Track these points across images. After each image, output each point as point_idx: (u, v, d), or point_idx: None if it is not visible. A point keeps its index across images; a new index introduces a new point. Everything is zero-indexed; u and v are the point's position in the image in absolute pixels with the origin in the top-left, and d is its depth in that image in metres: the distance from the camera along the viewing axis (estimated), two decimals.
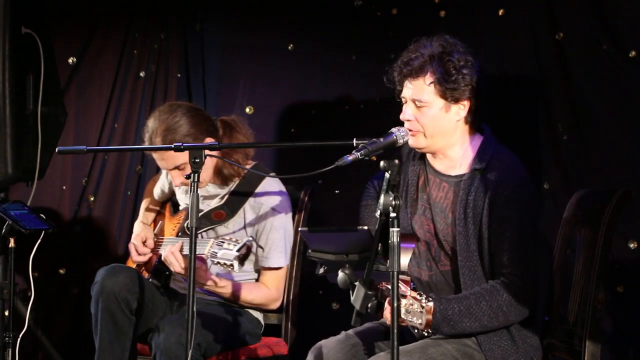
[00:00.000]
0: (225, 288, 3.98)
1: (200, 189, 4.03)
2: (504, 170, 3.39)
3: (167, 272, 4.09)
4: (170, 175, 4.05)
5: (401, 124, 3.44)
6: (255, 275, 4.13)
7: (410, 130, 3.41)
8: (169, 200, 4.35)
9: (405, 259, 3.45)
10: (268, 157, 4.80)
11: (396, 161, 2.97)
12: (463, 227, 3.39)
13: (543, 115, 4.39)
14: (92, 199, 5.15)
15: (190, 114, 3.96)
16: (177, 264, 3.89)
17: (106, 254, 5.00)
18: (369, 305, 3.08)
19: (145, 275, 4.12)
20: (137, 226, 4.28)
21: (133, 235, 4.22)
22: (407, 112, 3.41)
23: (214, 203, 4.08)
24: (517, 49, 4.46)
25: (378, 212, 2.99)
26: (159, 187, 4.34)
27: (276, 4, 4.95)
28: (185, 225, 4.02)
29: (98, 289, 3.87)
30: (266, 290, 4.07)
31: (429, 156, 3.54)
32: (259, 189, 4.05)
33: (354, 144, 3.23)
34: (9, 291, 4.45)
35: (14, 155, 4.44)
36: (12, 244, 4.42)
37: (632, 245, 4.14)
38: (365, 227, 3.16)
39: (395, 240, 2.92)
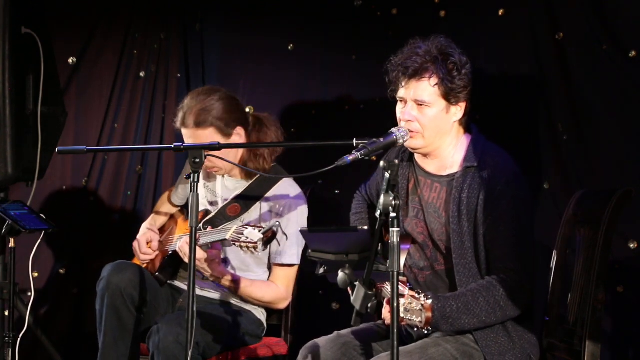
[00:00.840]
0: (235, 282, 3.99)
1: (219, 181, 4.11)
2: (495, 167, 3.41)
3: (174, 269, 4.10)
4: None
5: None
6: (267, 277, 4.13)
7: (408, 130, 3.41)
8: (184, 208, 4.37)
9: (401, 260, 3.45)
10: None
11: (396, 161, 2.97)
12: (457, 225, 3.40)
13: (543, 115, 4.39)
14: (92, 199, 5.15)
15: (227, 100, 4.02)
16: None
17: (106, 254, 4.99)
18: (369, 305, 3.09)
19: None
20: (143, 228, 4.30)
21: (138, 235, 4.23)
22: (408, 113, 3.42)
23: (230, 197, 4.09)
24: (517, 49, 4.46)
25: (378, 212, 2.99)
26: (180, 189, 4.34)
27: (276, 4, 4.95)
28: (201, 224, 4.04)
29: (104, 284, 3.89)
30: (276, 288, 4.07)
31: (419, 158, 3.55)
32: (275, 187, 4.07)
33: (354, 144, 3.23)
34: (9, 291, 4.45)
35: (14, 155, 4.44)
36: (12, 244, 4.43)
37: (632, 245, 4.14)
38: (365, 227, 3.17)
39: (395, 240, 2.92)
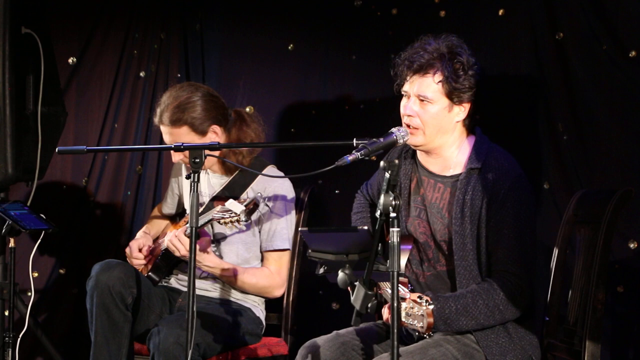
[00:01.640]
0: (228, 271, 4.00)
1: (203, 180, 4.12)
2: (500, 169, 3.40)
3: (168, 267, 4.11)
4: (172, 154, 4.11)
5: (401, 123, 3.44)
6: (259, 264, 4.14)
7: (408, 126, 3.41)
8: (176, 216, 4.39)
9: (402, 260, 3.45)
10: (268, 157, 4.79)
11: (396, 161, 2.97)
12: (460, 227, 3.39)
13: (543, 115, 4.39)
14: (92, 199, 5.15)
15: (205, 98, 4.02)
16: (181, 247, 3.91)
17: (106, 254, 4.98)
18: (369, 305, 3.08)
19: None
20: (139, 233, 4.33)
21: (131, 241, 4.24)
22: (410, 107, 3.42)
23: (217, 192, 4.10)
24: (517, 49, 4.46)
25: (378, 212, 2.99)
26: (168, 197, 4.37)
27: (276, 4, 4.95)
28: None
29: (93, 283, 3.90)
30: (269, 273, 4.08)
31: (422, 157, 3.54)
32: (261, 176, 4.07)
33: (354, 144, 3.23)
34: (9, 291, 4.45)
35: (14, 155, 4.44)
36: (12, 244, 4.43)
37: (632, 245, 4.14)
38: (365, 227, 3.16)
39: (395, 240, 2.92)
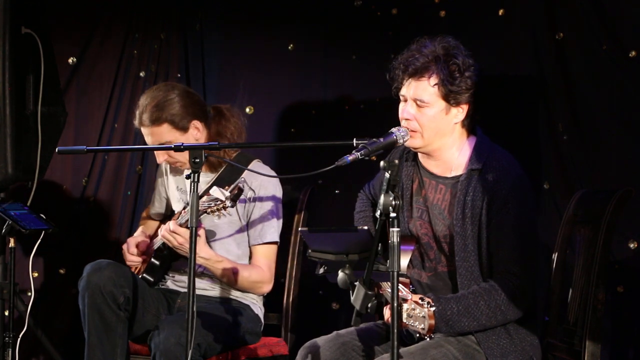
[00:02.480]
0: (222, 263, 4.00)
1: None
2: (501, 170, 3.40)
3: (162, 266, 4.11)
4: (155, 155, 4.13)
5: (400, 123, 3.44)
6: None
7: (406, 129, 3.41)
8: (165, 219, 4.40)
9: (404, 261, 3.45)
10: (268, 157, 4.79)
11: (396, 161, 2.97)
12: (461, 228, 3.39)
13: (543, 115, 4.39)
14: (92, 199, 5.15)
15: (183, 95, 4.04)
16: (177, 236, 3.92)
17: (106, 254, 4.99)
18: (369, 305, 3.08)
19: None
20: (137, 232, 4.34)
21: (130, 237, 4.25)
22: (407, 111, 3.42)
23: (202, 189, 4.11)
24: (517, 49, 4.46)
25: (378, 212, 2.99)
26: (156, 201, 4.38)
27: (276, 4, 4.95)
28: (182, 214, 4.06)
29: (84, 284, 3.91)
30: (259, 269, 4.08)
31: (423, 159, 3.54)
32: (247, 172, 4.07)
33: (354, 144, 3.23)
34: (9, 291, 4.45)
35: (14, 155, 4.44)
36: (12, 244, 4.42)
37: (632, 245, 4.14)
38: (365, 227, 3.17)
39: (395, 240, 2.92)
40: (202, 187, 4.13)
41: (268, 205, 4.06)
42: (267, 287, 4.11)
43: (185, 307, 3.40)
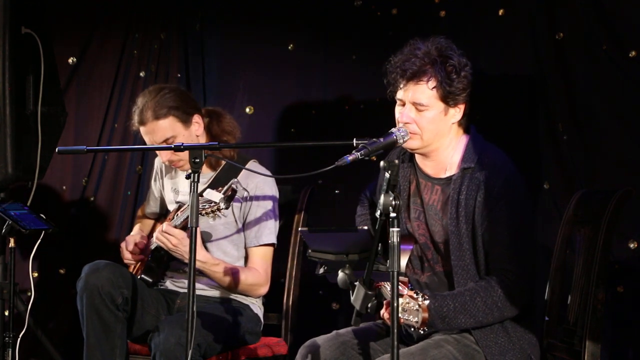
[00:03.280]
0: (218, 266, 4.00)
1: (185, 179, 4.08)
2: (493, 168, 3.40)
3: (160, 266, 4.11)
4: (159, 155, 4.13)
5: None
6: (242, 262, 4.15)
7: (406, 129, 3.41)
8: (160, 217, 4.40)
9: (403, 261, 3.45)
10: (268, 157, 4.80)
11: (396, 161, 2.97)
12: (455, 227, 3.39)
13: (543, 115, 4.39)
14: (92, 199, 5.15)
15: (178, 91, 4.10)
16: (171, 237, 3.92)
17: (106, 254, 4.99)
18: (369, 305, 3.08)
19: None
20: (134, 230, 4.34)
21: (128, 235, 4.25)
22: (406, 115, 3.41)
23: (201, 189, 4.11)
24: (517, 49, 4.46)
25: (378, 212, 2.99)
26: (151, 200, 4.38)
27: (276, 4, 4.95)
28: (177, 214, 4.06)
29: (82, 285, 3.91)
30: (255, 271, 4.08)
31: (419, 160, 3.55)
32: (244, 171, 4.07)
33: (354, 144, 3.23)
34: (9, 291, 4.45)
35: (14, 155, 4.44)
36: (12, 244, 4.42)
37: (632, 245, 4.14)
38: (365, 227, 3.17)
39: (395, 240, 2.92)
40: (201, 187, 4.13)
41: (264, 207, 4.06)
42: (263, 290, 4.11)
43: (184, 307, 3.40)
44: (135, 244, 4.16)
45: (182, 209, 4.04)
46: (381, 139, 3.27)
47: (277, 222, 4.12)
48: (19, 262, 4.60)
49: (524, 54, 4.44)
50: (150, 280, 4.12)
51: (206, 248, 4.07)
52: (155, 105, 3.99)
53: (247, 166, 4.07)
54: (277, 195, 4.13)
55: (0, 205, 4.38)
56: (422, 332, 3.06)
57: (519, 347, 3.39)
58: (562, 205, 4.06)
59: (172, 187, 4.24)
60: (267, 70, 4.99)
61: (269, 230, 4.07)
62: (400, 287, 3.10)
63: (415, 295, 3.04)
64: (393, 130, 3.36)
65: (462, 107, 3.43)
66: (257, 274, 4.07)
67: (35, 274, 4.83)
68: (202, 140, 4.08)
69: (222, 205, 3.81)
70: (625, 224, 3.96)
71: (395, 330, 2.91)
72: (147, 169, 5.11)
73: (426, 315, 3.02)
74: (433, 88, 3.38)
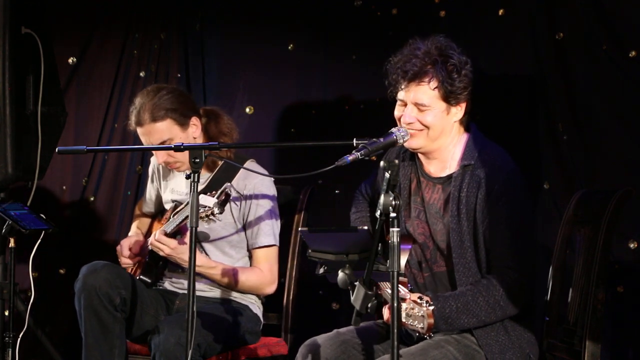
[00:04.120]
0: (215, 269, 4.00)
1: (183, 180, 4.13)
2: (493, 165, 3.41)
3: (158, 265, 4.11)
4: (155, 155, 4.12)
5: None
6: (246, 262, 4.14)
7: (408, 130, 3.41)
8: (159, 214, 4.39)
9: (402, 260, 3.44)
10: (268, 157, 4.80)
11: (396, 161, 2.97)
12: (456, 224, 3.40)
13: (543, 115, 4.39)
14: (92, 199, 5.15)
15: (177, 92, 4.08)
16: (164, 247, 3.93)
17: (106, 254, 4.99)
18: (369, 305, 3.08)
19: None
20: (132, 230, 4.35)
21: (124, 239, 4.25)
22: (409, 115, 3.41)
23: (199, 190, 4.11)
24: (517, 49, 4.46)
25: (378, 212, 2.99)
26: (148, 199, 4.38)
27: (276, 4, 4.95)
28: (171, 214, 4.06)
29: (80, 285, 3.91)
30: (258, 271, 4.07)
31: (422, 159, 3.54)
32: (241, 171, 4.07)
33: (354, 144, 3.23)
34: (9, 291, 4.45)
35: (14, 155, 4.44)
36: (12, 244, 4.42)
37: (632, 245, 4.14)
38: (365, 227, 3.17)
39: (395, 240, 2.92)
40: (199, 187, 4.13)
41: (263, 207, 4.06)
42: (270, 289, 4.11)
43: (184, 307, 3.40)
44: (130, 248, 4.16)
45: (176, 211, 4.03)
46: (381, 139, 3.27)
47: (278, 221, 4.12)
48: (19, 262, 4.59)
49: (524, 54, 4.44)
50: (149, 280, 4.12)
51: (204, 249, 4.07)
52: (152, 107, 3.98)
53: (245, 166, 4.07)
54: (276, 195, 4.13)
55: (0, 205, 4.38)
56: (427, 338, 3.06)
57: (518, 345, 3.39)
58: (562, 205, 4.06)
59: (169, 187, 4.24)
60: (267, 70, 4.99)
61: (269, 231, 4.07)
62: (402, 291, 3.10)
63: (419, 301, 3.03)
64: (393, 130, 3.36)
65: (463, 105, 3.44)
66: (261, 274, 4.06)
67: (35, 274, 4.82)
68: (199, 142, 4.07)
69: (216, 210, 3.79)
70: (625, 224, 3.96)
71: (396, 331, 2.91)
72: (147, 169, 5.10)
73: (432, 321, 3.00)
74: (435, 88, 3.38)
